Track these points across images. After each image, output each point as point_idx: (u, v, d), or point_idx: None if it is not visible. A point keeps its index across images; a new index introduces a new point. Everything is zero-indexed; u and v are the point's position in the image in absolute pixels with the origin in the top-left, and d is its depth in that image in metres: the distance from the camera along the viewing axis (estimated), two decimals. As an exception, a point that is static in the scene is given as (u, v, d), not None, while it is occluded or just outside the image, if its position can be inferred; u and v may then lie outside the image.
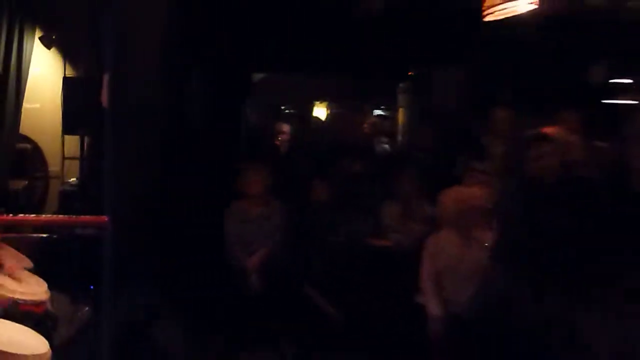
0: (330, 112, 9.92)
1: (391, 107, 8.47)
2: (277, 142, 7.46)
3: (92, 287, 3.92)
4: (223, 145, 6.40)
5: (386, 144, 7.63)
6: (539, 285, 3.76)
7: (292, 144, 7.59)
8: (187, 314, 4.85)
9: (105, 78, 4.42)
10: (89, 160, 5.65)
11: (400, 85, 8.09)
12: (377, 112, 8.91)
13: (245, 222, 5.58)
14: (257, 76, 7.96)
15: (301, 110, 9.85)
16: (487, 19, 5.13)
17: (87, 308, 3.70)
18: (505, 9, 5.01)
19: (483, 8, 5.07)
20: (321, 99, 10.09)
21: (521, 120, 5.42)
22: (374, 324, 4.98)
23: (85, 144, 5.77)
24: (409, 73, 7.83)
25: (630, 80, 7.09)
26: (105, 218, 3.62)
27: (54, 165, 6.12)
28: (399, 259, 4.92)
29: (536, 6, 4.90)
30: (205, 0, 5.93)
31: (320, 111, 10.13)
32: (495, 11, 5.05)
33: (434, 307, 4.18)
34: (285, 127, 7.79)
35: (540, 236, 3.91)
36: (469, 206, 4.42)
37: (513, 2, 4.94)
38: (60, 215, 5.03)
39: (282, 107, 9.57)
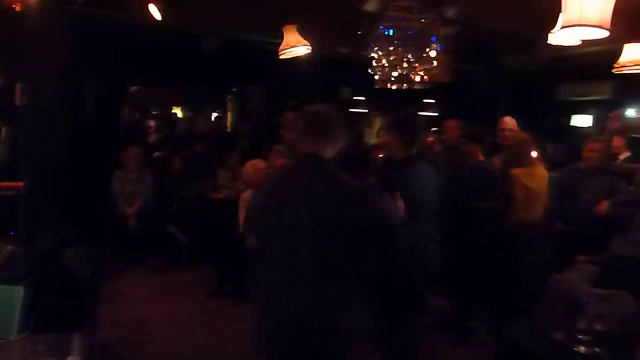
0: (184, 112, 9.88)
1: (223, 110, 8.53)
2: (148, 132, 7.69)
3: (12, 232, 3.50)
4: (109, 134, 6.34)
5: (222, 133, 7.76)
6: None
7: (157, 134, 7.85)
8: (88, 245, 4.79)
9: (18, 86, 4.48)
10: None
11: (228, 96, 8.17)
12: (215, 114, 9.03)
13: (125, 184, 5.70)
14: (133, 88, 7.82)
15: (163, 111, 9.69)
16: (281, 56, 5.28)
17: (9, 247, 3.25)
18: (292, 51, 5.20)
19: (279, 50, 5.23)
20: (177, 104, 9.99)
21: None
22: (213, 247, 5.07)
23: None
24: (233, 89, 7.93)
25: (362, 98, 7.87)
26: (20, 184, 3.70)
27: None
28: (228, 206, 4.80)
29: (309, 51, 5.19)
30: (96, 34, 5.84)
31: (177, 112, 10.08)
32: (286, 52, 5.21)
33: (249, 239, 3.80)
34: (152, 123, 8.02)
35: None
36: (263, 172, 4.45)
37: (297, 48, 5.16)
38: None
39: (150, 110, 9.48)
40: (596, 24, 2.48)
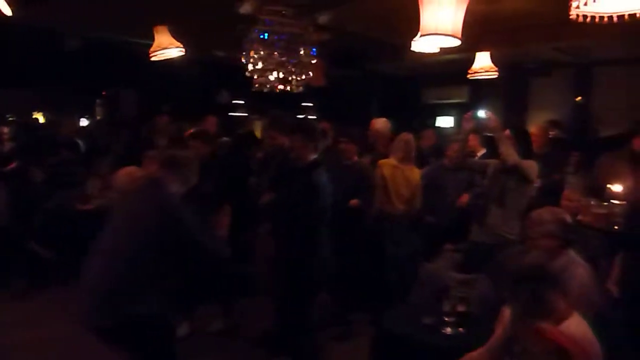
0: (47, 117, 9.13)
1: (92, 115, 7.99)
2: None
3: None
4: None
5: (91, 139, 7.01)
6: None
7: (12, 142, 7.05)
8: None
9: None
10: None
11: (97, 100, 7.75)
12: (83, 119, 8.24)
13: None
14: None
15: (22, 117, 8.91)
16: (152, 58, 5.14)
17: None
18: (164, 53, 5.03)
19: (149, 52, 5.07)
20: (39, 108, 9.23)
21: (176, 123, 5.63)
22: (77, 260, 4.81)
23: None
24: (103, 92, 7.53)
25: (242, 102, 7.79)
26: None
27: None
28: (101, 217, 4.60)
29: (182, 53, 5.10)
30: None
31: (39, 117, 9.26)
32: (157, 54, 5.08)
33: None
34: (5, 129, 7.23)
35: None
36: (135, 179, 4.17)
37: (169, 50, 5.01)
38: None
39: (6, 116, 8.54)
40: (449, 34, 2.74)
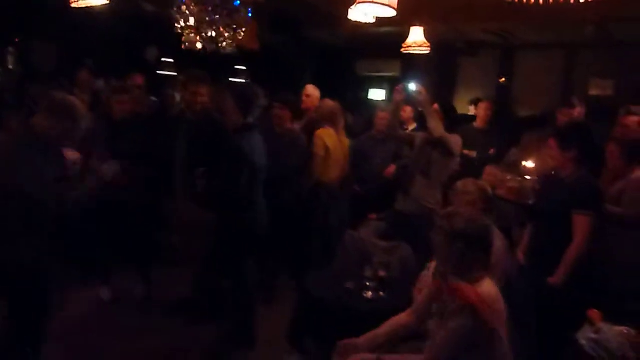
0: None
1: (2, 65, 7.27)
2: None
3: None
4: None
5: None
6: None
7: None
8: None
9: None
10: None
11: (9, 49, 6.65)
12: None
13: None
14: None
15: None
16: (73, 4, 4.62)
17: None
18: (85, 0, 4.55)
19: None
20: None
21: (98, 79, 5.28)
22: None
23: None
24: (15, 40, 6.57)
25: (171, 60, 7.42)
26: None
27: None
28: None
29: (107, 2, 4.60)
30: None
31: None
32: (79, 1, 4.55)
33: None
34: None
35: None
36: None
37: None
38: None
39: None
40: (385, 3, 2.74)
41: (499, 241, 2.60)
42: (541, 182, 3.33)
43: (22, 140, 2.48)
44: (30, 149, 2.41)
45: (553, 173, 3.04)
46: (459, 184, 2.84)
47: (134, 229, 3.78)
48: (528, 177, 3.79)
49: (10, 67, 6.90)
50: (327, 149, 4.04)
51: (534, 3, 2.56)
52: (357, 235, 3.61)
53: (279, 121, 4.08)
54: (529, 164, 3.87)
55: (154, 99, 5.57)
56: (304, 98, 4.80)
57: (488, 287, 1.99)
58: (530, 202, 3.44)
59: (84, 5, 4.73)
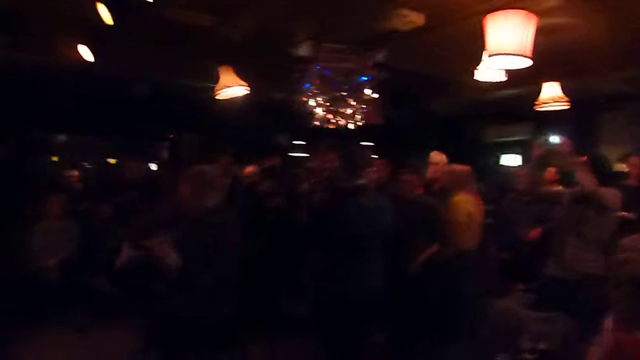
0: (117, 162, 9.59)
1: (157, 158, 8.28)
2: (71, 181, 7.32)
3: None
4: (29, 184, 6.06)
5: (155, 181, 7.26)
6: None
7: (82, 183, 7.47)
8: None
9: None
10: None
11: (162, 143, 7.99)
12: (151, 164, 8.61)
13: (47, 234, 5.30)
14: (61, 137, 7.52)
15: (93, 161, 9.40)
16: (217, 97, 5.20)
17: None
18: (228, 92, 5.07)
19: (214, 90, 5.12)
20: (109, 153, 9.62)
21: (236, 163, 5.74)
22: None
23: None
24: (169, 135, 7.76)
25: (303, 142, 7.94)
26: None
27: None
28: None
29: (247, 91, 5.10)
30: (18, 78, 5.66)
31: (109, 161, 9.71)
32: (222, 93, 5.10)
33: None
34: (75, 172, 7.68)
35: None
36: None
37: (233, 88, 5.02)
38: None
39: (79, 160, 9.05)
40: (518, 52, 2.63)
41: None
42: None
43: None
44: None
45: None
46: (625, 241, 2.47)
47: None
48: None
49: (163, 160, 7.84)
50: (470, 215, 3.83)
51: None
52: (503, 304, 3.29)
53: (408, 187, 4.00)
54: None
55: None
56: (430, 166, 4.69)
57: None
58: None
59: (226, 97, 5.26)
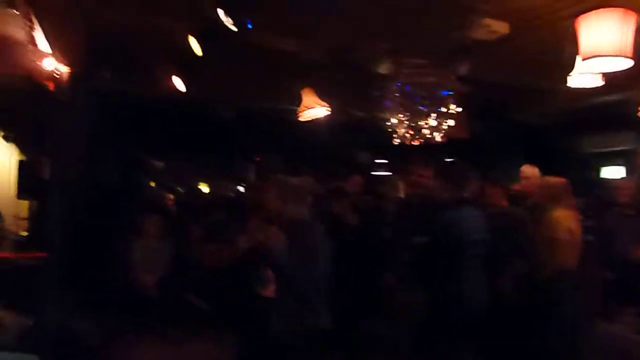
0: (207, 185, 9.98)
1: (244, 179, 8.55)
2: (167, 204, 7.80)
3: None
4: (130, 206, 6.48)
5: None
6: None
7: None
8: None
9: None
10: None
11: (250, 165, 8.32)
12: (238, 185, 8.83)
13: (146, 252, 5.55)
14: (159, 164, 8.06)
15: (184, 186, 9.95)
16: (300, 118, 5.30)
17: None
18: (310, 113, 5.18)
19: (297, 112, 5.23)
20: (201, 177, 10.06)
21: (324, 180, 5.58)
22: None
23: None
24: (256, 158, 8.08)
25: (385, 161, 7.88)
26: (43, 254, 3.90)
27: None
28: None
29: (329, 112, 5.18)
30: (122, 108, 6.08)
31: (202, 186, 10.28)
32: (304, 114, 5.20)
33: None
34: (170, 196, 8.18)
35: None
36: None
37: (315, 109, 5.13)
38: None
39: (173, 184, 9.63)
40: (616, 53, 2.44)
41: None
42: None
43: None
44: None
45: None
46: None
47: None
48: None
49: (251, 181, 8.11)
50: (569, 231, 3.53)
51: None
52: (612, 329, 3.00)
53: (492, 199, 3.81)
54: None
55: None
56: (522, 180, 4.43)
57: None
58: None
59: (309, 118, 5.36)
